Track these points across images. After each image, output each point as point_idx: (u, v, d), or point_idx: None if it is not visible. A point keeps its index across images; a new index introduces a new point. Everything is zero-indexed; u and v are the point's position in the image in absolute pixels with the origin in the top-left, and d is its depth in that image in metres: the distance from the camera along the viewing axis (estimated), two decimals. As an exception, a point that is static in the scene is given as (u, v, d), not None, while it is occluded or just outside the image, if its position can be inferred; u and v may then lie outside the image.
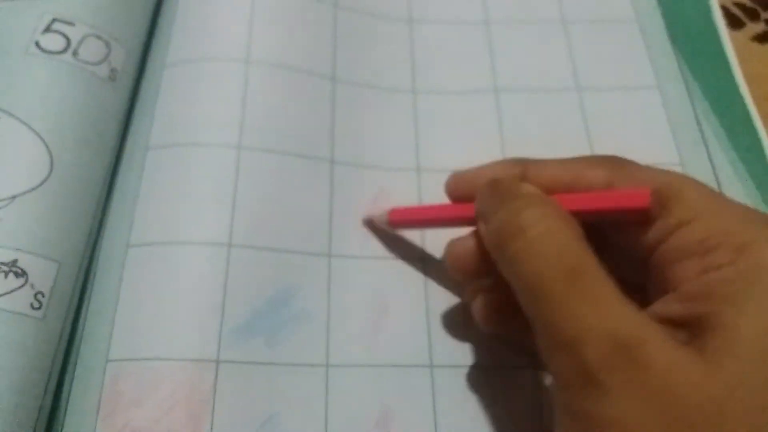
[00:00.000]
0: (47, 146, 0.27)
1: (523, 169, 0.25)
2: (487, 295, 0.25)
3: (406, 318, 0.28)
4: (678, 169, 0.32)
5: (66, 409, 0.25)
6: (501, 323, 0.25)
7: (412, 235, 0.30)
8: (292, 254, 0.28)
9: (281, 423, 0.25)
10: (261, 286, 0.27)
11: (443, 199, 0.29)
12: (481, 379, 0.27)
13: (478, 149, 0.31)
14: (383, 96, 0.33)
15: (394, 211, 0.29)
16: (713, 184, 0.32)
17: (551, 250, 0.21)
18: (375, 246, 0.29)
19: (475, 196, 0.25)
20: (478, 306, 0.25)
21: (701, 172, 0.33)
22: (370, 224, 0.30)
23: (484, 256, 0.24)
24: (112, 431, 0.24)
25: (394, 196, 0.31)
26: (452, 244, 0.26)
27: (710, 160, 0.33)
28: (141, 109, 0.31)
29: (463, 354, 0.28)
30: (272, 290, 0.27)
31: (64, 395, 0.25)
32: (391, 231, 0.30)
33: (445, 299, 0.29)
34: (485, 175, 0.26)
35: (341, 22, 0.35)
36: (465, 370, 0.27)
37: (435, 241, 0.30)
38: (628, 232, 0.23)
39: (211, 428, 0.24)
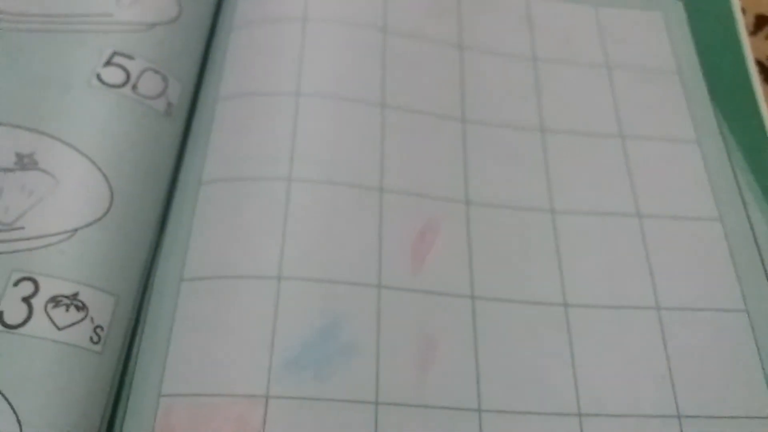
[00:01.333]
0: (107, 179, 0.28)
1: None
2: None
3: (455, 356, 0.28)
4: (717, 224, 0.33)
5: (119, 444, 0.26)
6: None
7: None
8: (340, 285, 0.28)
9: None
10: (310, 317, 0.27)
11: (491, 234, 0.30)
12: (528, 426, 0.27)
13: (524, 185, 0.33)
14: (431, 122, 0.34)
15: None
16: (750, 239, 0.33)
17: None
18: (423, 279, 0.30)
19: None
20: None
21: (739, 227, 0.33)
22: None
23: None
24: (165, 467, 0.25)
25: (443, 229, 0.31)
26: None
27: (747, 216, 0.34)
28: (194, 143, 0.32)
29: (511, 399, 0.28)
30: (321, 321, 0.27)
31: (116, 430, 0.26)
32: None
33: (494, 335, 0.29)
34: None
35: (389, 48, 0.35)
36: (512, 416, 0.27)
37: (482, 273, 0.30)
38: None
39: (263, 464, 0.25)
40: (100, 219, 0.27)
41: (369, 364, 0.27)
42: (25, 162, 0.27)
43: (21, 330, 0.24)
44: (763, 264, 0.32)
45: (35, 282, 0.25)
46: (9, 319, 0.24)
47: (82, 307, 0.25)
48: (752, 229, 0.33)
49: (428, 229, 0.31)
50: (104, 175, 0.28)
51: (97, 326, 0.25)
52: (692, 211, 0.33)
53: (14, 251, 0.25)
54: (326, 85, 0.33)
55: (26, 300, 0.25)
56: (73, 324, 0.25)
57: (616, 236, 0.32)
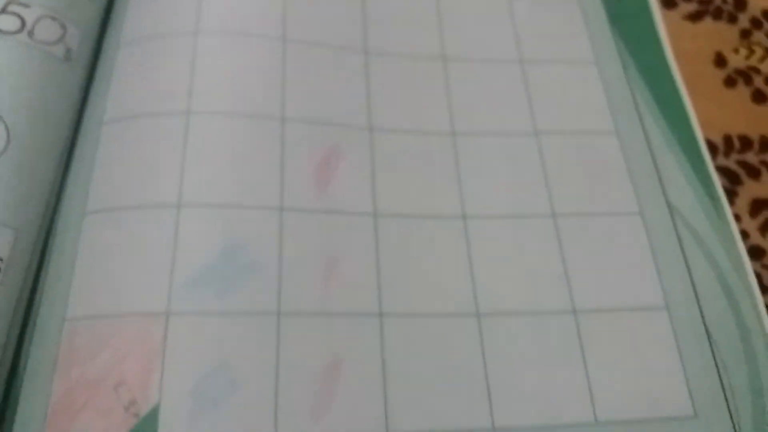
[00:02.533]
0: (4, 121, 0.28)
1: None
2: None
3: (357, 268, 0.29)
4: (613, 138, 0.35)
5: (26, 367, 0.26)
6: None
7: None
8: (242, 209, 0.29)
9: (231, 370, 0.26)
10: (211, 241, 0.28)
11: (398, 162, 0.32)
12: (430, 326, 0.28)
13: (426, 111, 0.34)
14: (333, 54, 0.34)
15: None
16: (646, 151, 0.34)
17: None
18: (326, 200, 0.30)
19: None
20: None
21: (634, 140, 0.34)
22: None
23: None
24: (68, 384, 0.25)
25: (347, 154, 0.32)
26: None
27: (643, 129, 0.35)
28: (97, 86, 0.32)
29: (412, 303, 0.29)
30: (223, 244, 0.28)
31: (23, 355, 0.26)
32: None
33: (395, 249, 0.30)
34: None
35: None
36: (413, 319, 0.28)
37: (385, 192, 0.31)
38: None
39: (162, 376, 0.25)
40: (-4, 156, 0.27)
41: (271, 280, 0.28)
42: None
43: None
44: (657, 172, 0.33)
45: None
46: None
47: (-23, 238, 0.26)
48: (648, 140, 0.34)
49: (332, 155, 0.32)
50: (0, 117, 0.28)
51: (-4, 257, 0.26)
52: (589, 126, 0.34)
53: None
54: (226, 22, 0.33)
55: None
56: (-31, 253, 0.25)
57: (515, 153, 0.33)
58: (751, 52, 0.39)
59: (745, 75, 0.38)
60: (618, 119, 0.35)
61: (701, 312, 0.30)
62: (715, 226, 0.32)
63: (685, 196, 0.33)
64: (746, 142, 0.36)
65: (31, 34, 0.30)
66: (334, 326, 0.28)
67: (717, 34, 0.40)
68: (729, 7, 0.41)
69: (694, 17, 0.40)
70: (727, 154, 0.36)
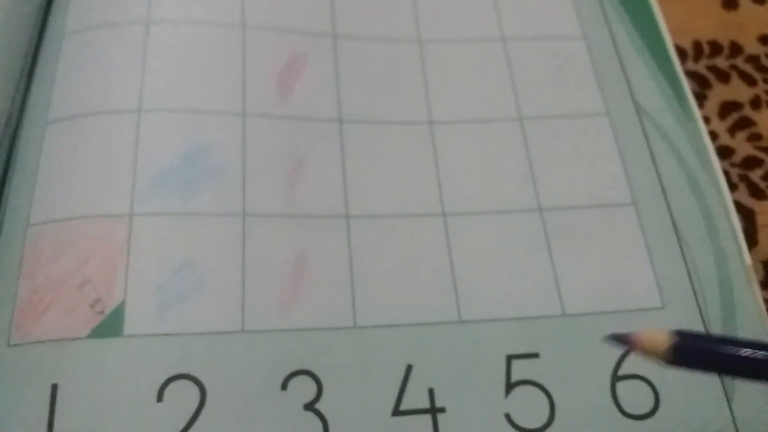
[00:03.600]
0: (-42, 27, 0.28)
1: None
2: None
3: (323, 172, 0.29)
4: (580, 42, 0.34)
5: (-10, 273, 0.26)
6: None
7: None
8: (205, 114, 0.29)
9: (197, 268, 0.26)
10: (174, 144, 0.28)
11: (363, 69, 0.31)
12: (396, 226, 0.28)
13: (391, 17, 0.33)
14: None
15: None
16: (613, 55, 0.34)
17: None
18: (290, 107, 0.30)
19: None
20: None
21: (603, 45, 0.34)
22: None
23: None
24: (33, 285, 0.25)
25: (310, 61, 0.31)
26: None
27: (611, 34, 0.34)
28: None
29: (378, 204, 0.29)
30: (185, 148, 0.28)
31: (-13, 263, 0.26)
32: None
33: (361, 153, 0.30)
34: None
35: None
36: (380, 220, 0.28)
37: (349, 99, 0.31)
38: None
39: (126, 274, 0.25)
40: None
41: (236, 183, 0.28)
42: None
43: None
44: (625, 74, 0.33)
45: None
46: None
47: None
48: (615, 44, 0.34)
49: (295, 61, 0.31)
50: (-47, 22, 0.27)
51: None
52: (556, 31, 0.34)
53: None
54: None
55: None
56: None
57: (481, 60, 0.33)
58: (723, -42, 0.39)
59: (716, -19, 0.38)
60: (585, 24, 0.34)
61: (669, 207, 0.30)
62: (683, 126, 0.32)
63: (653, 97, 0.33)
64: (716, 48, 0.36)
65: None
66: (301, 227, 0.27)
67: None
68: None
69: None
70: (696, 59, 0.35)
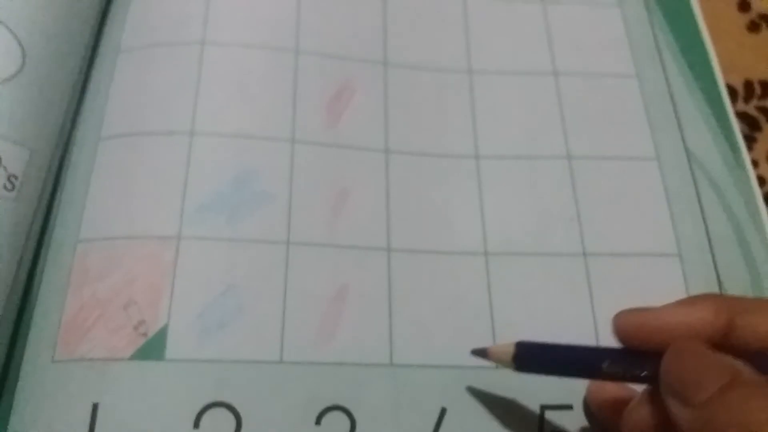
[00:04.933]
0: (18, 40, 0.28)
1: (728, 315, 0.20)
2: None
3: (367, 202, 0.28)
4: (633, 80, 0.33)
5: (40, 285, 0.26)
6: None
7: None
8: (254, 140, 0.28)
9: (240, 294, 0.26)
10: (223, 169, 0.28)
11: (411, 98, 0.31)
12: (437, 263, 0.28)
13: (443, 47, 0.33)
14: None
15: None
16: (666, 95, 0.33)
17: None
18: (337, 134, 0.30)
19: (664, 365, 0.20)
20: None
21: (655, 83, 0.33)
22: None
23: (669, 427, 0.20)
24: (80, 302, 0.25)
25: (360, 89, 0.31)
26: (632, 416, 0.21)
27: (664, 73, 0.33)
28: (114, 13, 0.31)
29: (420, 240, 0.28)
30: (234, 172, 0.28)
31: (38, 272, 0.26)
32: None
33: (405, 185, 0.29)
34: (675, 323, 0.21)
35: None
36: (421, 255, 0.28)
37: (397, 129, 0.30)
38: None
39: (171, 297, 0.25)
40: (12, 77, 0.27)
41: (281, 210, 0.28)
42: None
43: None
44: (677, 117, 0.32)
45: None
46: None
47: (-6, 157, 0.25)
48: (668, 84, 0.33)
49: (345, 88, 0.31)
50: (15, 36, 0.27)
51: (11, 175, 0.26)
52: (609, 68, 0.33)
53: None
54: None
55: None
56: (-14, 171, 0.25)
57: (532, 93, 0.32)
58: (778, -2, 0.38)
59: (770, 20, 0.37)
60: (639, 62, 0.33)
61: (714, 260, 0.29)
62: (733, 174, 0.31)
63: (704, 143, 0.32)
64: (767, 88, 0.35)
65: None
66: (342, 257, 0.27)
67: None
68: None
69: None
70: (747, 99, 0.34)
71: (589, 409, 0.25)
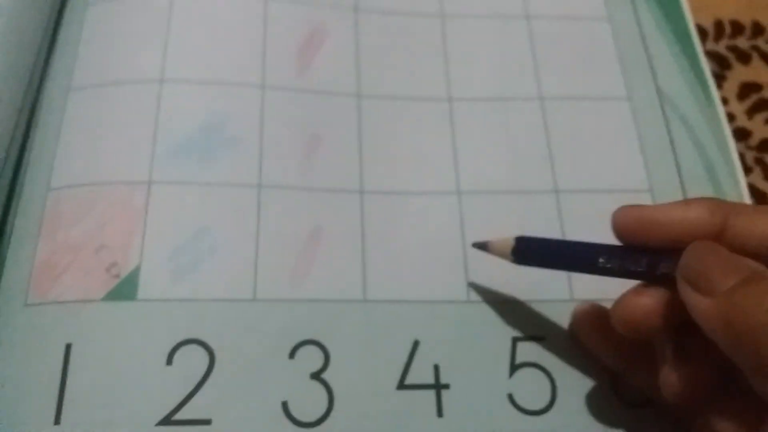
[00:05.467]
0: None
1: (723, 216, 0.21)
2: (683, 369, 0.21)
3: (339, 146, 0.28)
4: (605, 23, 0.33)
5: (12, 232, 0.26)
6: (698, 400, 0.21)
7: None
8: (224, 86, 0.28)
9: (212, 235, 0.25)
10: (194, 114, 0.27)
11: (383, 43, 0.30)
12: (409, 204, 0.28)
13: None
14: None
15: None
16: (637, 37, 0.33)
17: None
18: (308, 80, 0.29)
19: (688, 252, 0.21)
20: (672, 381, 0.21)
21: (628, 27, 0.33)
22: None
23: (672, 318, 0.21)
24: (52, 246, 0.25)
25: (330, 35, 0.31)
26: (624, 305, 0.22)
27: (636, 16, 0.33)
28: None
29: (393, 181, 0.28)
30: (204, 117, 0.27)
31: (9, 220, 0.26)
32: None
33: (377, 129, 0.29)
34: (674, 219, 0.21)
35: None
36: (394, 196, 0.28)
37: (368, 74, 0.30)
38: None
39: (143, 240, 0.25)
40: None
41: (252, 154, 0.27)
42: None
43: None
44: (648, 57, 0.32)
45: None
46: None
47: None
48: (639, 25, 0.33)
49: (315, 34, 0.30)
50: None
51: (-21, 124, 0.26)
52: (581, 11, 0.33)
53: None
54: None
55: None
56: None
57: (504, 36, 0.32)
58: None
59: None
60: (611, 4, 0.33)
61: (685, 195, 0.29)
62: (703, 112, 0.31)
63: (675, 83, 0.32)
64: (737, 27, 0.35)
65: None
66: (315, 200, 0.27)
67: None
68: None
69: None
70: (717, 38, 0.34)
71: (574, 335, 0.25)
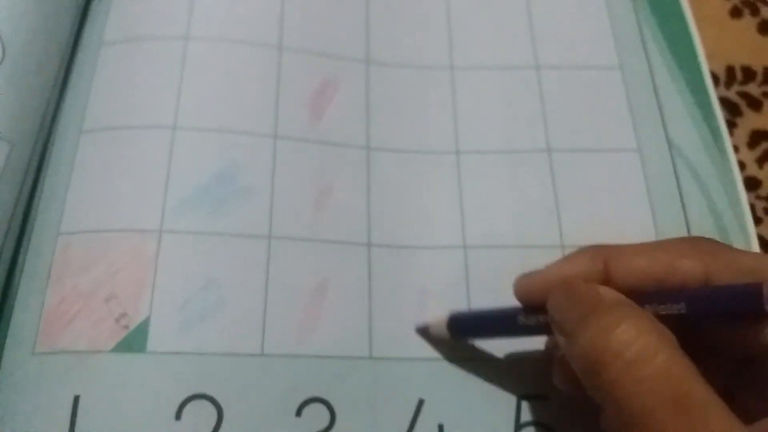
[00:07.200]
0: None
1: (604, 261, 0.22)
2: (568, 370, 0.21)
3: (349, 199, 0.28)
4: (616, 72, 0.32)
5: (21, 277, 0.25)
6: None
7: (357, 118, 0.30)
8: (237, 135, 0.28)
9: (221, 287, 0.25)
10: (207, 163, 0.27)
11: (393, 95, 0.30)
12: (416, 258, 0.27)
13: (425, 44, 0.32)
14: None
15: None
16: (649, 86, 0.32)
17: (652, 375, 0.17)
18: (320, 130, 0.29)
19: (550, 303, 0.21)
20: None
21: (639, 74, 0.32)
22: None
23: (566, 368, 0.21)
24: (61, 293, 0.25)
25: (342, 87, 0.30)
26: (555, 370, 0.23)
27: (648, 64, 0.32)
28: (98, 5, 0.31)
29: (401, 235, 0.28)
30: (217, 167, 0.27)
31: (19, 265, 0.26)
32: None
33: (386, 182, 0.28)
34: (556, 276, 0.22)
35: None
36: (400, 250, 0.27)
37: (378, 126, 0.30)
38: (724, 332, 0.20)
39: (153, 290, 0.25)
40: (-9, 71, 0.26)
41: (264, 204, 0.27)
42: None
43: None
44: (659, 107, 0.31)
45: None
46: None
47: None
48: (652, 73, 0.32)
49: (328, 85, 0.30)
50: (-5, 28, 0.27)
51: (-9, 168, 0.25)
52: (593, 60, 0.32)
53: None
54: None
55: None
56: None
57: (514, 88, 0.31)
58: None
59: (752, 5, 0.36)
60: (623, 52, 0.32)
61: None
62: (714, 161, 0.30)
63: (685, 131, 0.31)
64: (749, 73, 0.34)
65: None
66: (324, 252, 0.27)
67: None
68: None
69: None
70: (728, 85, 0.34)
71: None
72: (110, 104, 0.28)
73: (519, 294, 0.23)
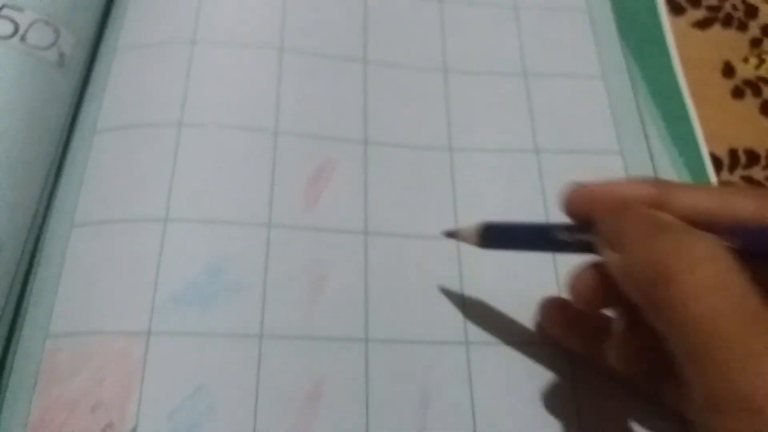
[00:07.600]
0: (-11, 127, 0.26)
1: (660, 191, 0.21)
2: (623, 337, 0.22)
3: (344, 291, 0.27)
4: (617, 157, 0.32)
5: (8, 383, 0.24)
6: (640, 367, 0.22)
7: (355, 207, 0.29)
8: (228, 225, 0.27)
9: (211, 394, 0.24)
10: (196, 257, 0.26)
11: (392, 177, 0.29)
12: (416, 354, 0.26)
13: (423, 125, 0.31)
14: (331, 64, 0.32)
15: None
16: (650, 170, 0.31)
17: (731, 291, 0.17)
18: (315, 217, 0.28)
19: (601, 218, 0.21)
20: (612, 349, 0.22)
21: (640, 161, 0.31)
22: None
23: (610, 289, 0.21)
24: (47, 402, 0.24)
25: (339, 169, 0.29)
26: (578, 278, 0.22)
27: (648, 148, 0.32)
28: (91, 93, 0.30)
29: (399, 328, 0.27)
30: (207, 261, 0.26)
31: (6, 370, 0.25)
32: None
33: (384, 269, 0.28)
34: (616, 193, 0.22)
35: None
36: (400, 345, 0.26)
37: (376, 210, 0.29)
38: None
39: (140, 398, 0.24)
40: (-19, 167, 0.26)
41: (255, 300, 0.26)
42: None
43: None
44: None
45: None
46: None
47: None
48: (652, 158, 0.32)
49: (324, 169, 0.29)
50: (-16, 123, 0.26)
51: (-22, 270, 0.24)
52: (593, 144, 0.32)
53: None
54: (223, 32, 0.31)
55: None
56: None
57: (512, 171, 0.31)
58: (761, 61, 0.36)
59: (754, 86, 0.35)
60: (623, 136, 0.32)
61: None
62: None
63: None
64: (752, 157, 0.33)
65: (23, 38, 0.28)
66: (318, 350, 0.26)
67: (726, 43, 0.37)
68: (739, 14, 0.38)
69: (703, 24, 0.37)
70: (732, 169, 0.33)
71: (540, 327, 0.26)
72: (102, 196, 0.27)
73: (568, 201, 0.23)
